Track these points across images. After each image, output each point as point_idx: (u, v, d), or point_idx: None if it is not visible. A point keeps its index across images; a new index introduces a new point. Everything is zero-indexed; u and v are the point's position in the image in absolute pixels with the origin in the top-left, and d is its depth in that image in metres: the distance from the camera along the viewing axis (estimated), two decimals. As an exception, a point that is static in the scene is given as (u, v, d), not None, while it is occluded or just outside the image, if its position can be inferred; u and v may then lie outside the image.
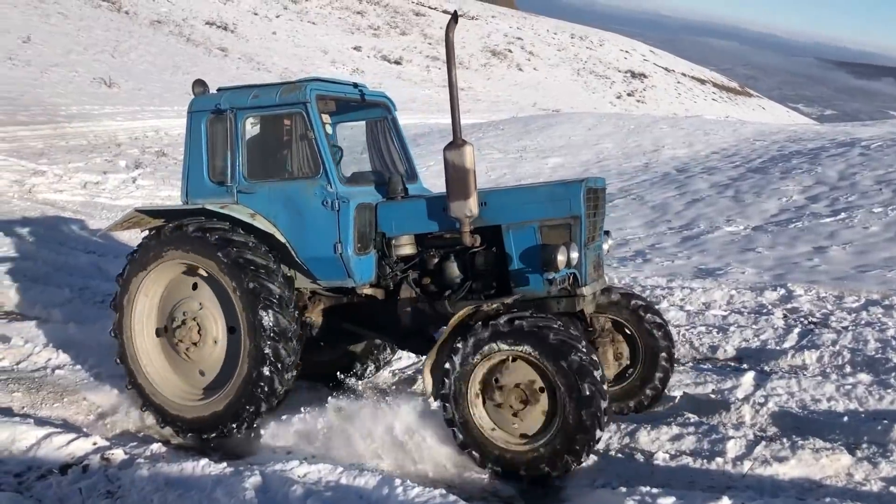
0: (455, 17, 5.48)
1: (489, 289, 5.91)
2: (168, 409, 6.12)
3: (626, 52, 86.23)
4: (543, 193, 5.80)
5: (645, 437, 5.67)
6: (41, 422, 5.92)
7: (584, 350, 4.97)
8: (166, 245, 6.09)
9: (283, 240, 6.03)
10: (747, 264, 11.30)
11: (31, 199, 15.94)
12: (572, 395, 4.89)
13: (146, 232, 6.46)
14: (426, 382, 5.45)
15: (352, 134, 7.35)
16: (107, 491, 4.90)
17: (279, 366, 5.72)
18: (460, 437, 5.24)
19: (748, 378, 6.80)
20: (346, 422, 5.68)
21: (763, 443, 5.41)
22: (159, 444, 5.68)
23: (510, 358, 5.16)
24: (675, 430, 5.69)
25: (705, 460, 5.28)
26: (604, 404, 4.93)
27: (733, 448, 5.38)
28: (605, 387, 4.99)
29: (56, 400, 6.70)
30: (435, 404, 5.41)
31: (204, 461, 5.02)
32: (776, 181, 16.43)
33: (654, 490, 4.58)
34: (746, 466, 5.17)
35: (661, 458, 5.37)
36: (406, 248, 6.18)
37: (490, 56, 69.72)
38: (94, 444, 5.45)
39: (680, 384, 6.86)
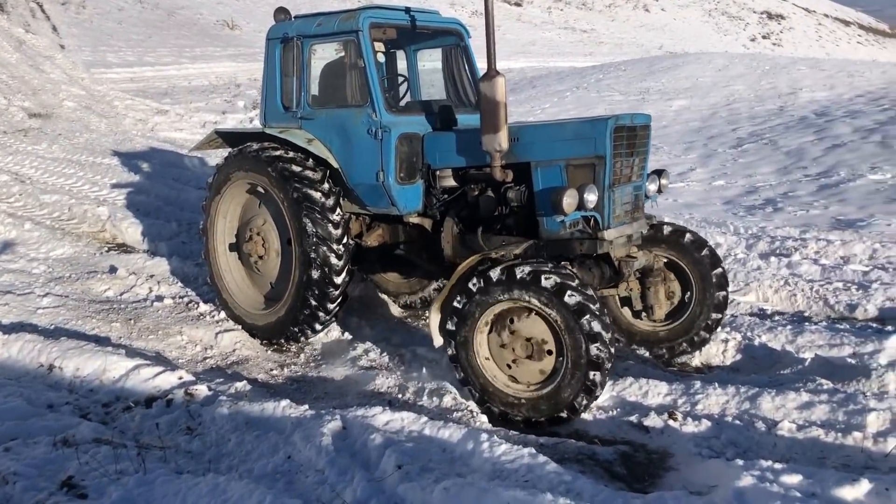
0: None
1: (520, 226, 5.77)
2: (245, 319, 6.73)
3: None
4: (571, 131, 5.51)
5: (768, 403, 4.98)
6: (133, 353, 5.86)
7: (580, 288, 4.77)
8: (231, 168, 6.57)
9: (335, 165, 6.25)
10: (895, 215, 10.11)
11: (153, 138, 16.41)
12: (574, 334, 4.70)
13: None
14: (432, 322, 5.32)
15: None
16: (186, 427, 4.74)
17: (326, 269, 5.98)
18: (461, 374, 5.20)
19: (893, 341, 5.92)
20: None
21: (912, 417, 4.63)
22: (244, 382, 5.48)
23: (529, 312, 4.95)
24: (805, 396, 4.97)
25: (840, 434, 4.53)
26: (607, 335, 4.72)
27: (875, 422, 4.64)
28: (604, 322, 4.74)
29: (152, 332, 6.68)
30: (438, 341, 5.30)
31: (285, 402, 4.77)
32: (932, 126, 14.71)
33: (777, 465, 3.89)
34: (891, 444, 4.41)
35: (786, 429, 4.66)
36: (449, 180, 6.20)
37: (615, -4, 66.70)
38: (180, 378, 5.30)
39: (811, 345, 6.11)
